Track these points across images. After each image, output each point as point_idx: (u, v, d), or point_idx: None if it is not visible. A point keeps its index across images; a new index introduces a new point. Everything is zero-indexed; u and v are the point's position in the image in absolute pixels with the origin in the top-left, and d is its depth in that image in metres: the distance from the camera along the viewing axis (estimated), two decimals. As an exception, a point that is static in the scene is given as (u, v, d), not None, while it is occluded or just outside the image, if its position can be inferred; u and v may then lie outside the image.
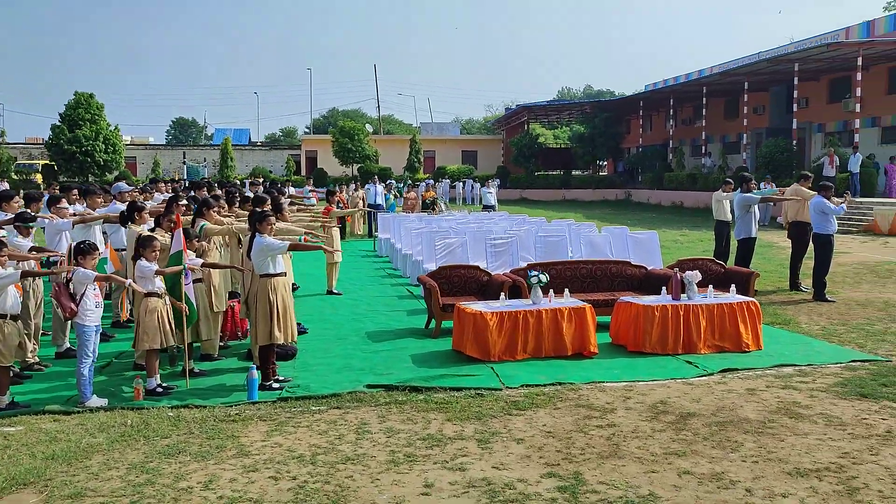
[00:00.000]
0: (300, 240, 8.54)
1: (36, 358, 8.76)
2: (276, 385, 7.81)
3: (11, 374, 8.19)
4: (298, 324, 10.65)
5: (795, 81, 32.21)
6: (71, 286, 7.26)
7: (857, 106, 29.82)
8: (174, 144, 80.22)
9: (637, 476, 5.45)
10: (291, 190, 25.28)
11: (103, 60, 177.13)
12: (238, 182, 26.90)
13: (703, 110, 40.78)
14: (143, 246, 7.69)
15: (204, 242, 8.81)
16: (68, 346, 9.34)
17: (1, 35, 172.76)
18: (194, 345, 8.83)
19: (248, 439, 6.35)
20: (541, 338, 8.90)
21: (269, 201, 9.66)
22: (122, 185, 11.41)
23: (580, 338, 8.99)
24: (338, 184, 29.69)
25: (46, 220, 9.01)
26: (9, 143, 62.59)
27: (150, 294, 7.64)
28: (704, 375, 8.13)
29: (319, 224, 10.71)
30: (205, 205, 9.08)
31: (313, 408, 7.18)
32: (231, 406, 7.25)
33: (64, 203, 9.55)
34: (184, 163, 56.42)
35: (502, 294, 9.36)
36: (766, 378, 8.01)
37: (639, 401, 7.28)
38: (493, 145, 63.87)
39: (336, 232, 14.06)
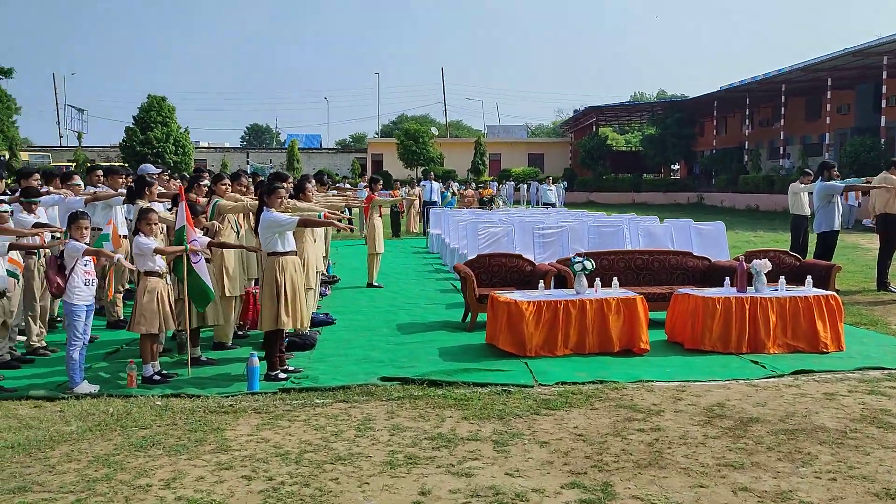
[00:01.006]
0: (320, 216, 7.74)
1: (42, 342, 8.24)
2: (282, 375, 7.05)
3: (10, 358, 7.70)
4: (325, 314, 10.01)
5: (884, 76, 30.09)
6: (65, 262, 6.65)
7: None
8: (245, 147, 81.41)
9: (681, 490, 4.44)
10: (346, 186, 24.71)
11: (181, 67, 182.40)
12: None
13: (783, 109, 38.76)
14: (139, 219, 7.04)
15: (216, 221, 8.14)
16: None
17: (90, 42, 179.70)
18: (203, 332, 8.14)
19: (233, 433, 5.58)
20: (584, 332, 7.91)
21: (288, 178, 8.94)
22: (149, 166, 10.88)
23: (629, 333, 7.95)
24: (396, 182, 29.03)
25: (58, 197, 8.50)
26: (87, 147, 64.43)
27: (149, 273, 6.98)
28: (773, 377, 7.00)
29: (344, 204, 9.96)
30: (217, 180, 8.41)
31: (317, 401, 6.38)
32: (228, 396, 6.51)
33: (76, 180, 9.04)
34: (247, 163, 56.91)
35: (541, 283, 8.39)
36: (849, 382, 6.83)
37: (692, 402, 6.22)
38: (561, 148, 62.56)
39: (378, 223, 13.32)
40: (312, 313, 9.74)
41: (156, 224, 7.06)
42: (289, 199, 8.69)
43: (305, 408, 6.19)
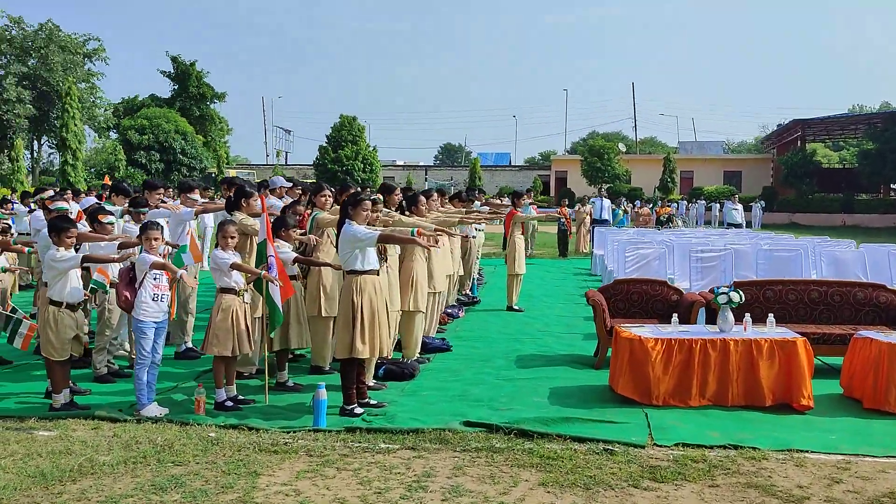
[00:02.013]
0: (413, 233, 6.86)
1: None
2: (359, 410, 6.24)
3: (107, 372, 7.52)
4: (443, 339, 9.14)
5: None
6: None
7: None
8: (438, 166, 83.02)
9: None
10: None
11: (379, 89, 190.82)
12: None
13: None
14: (217, 232, 6.55)
15: (313, 235, 7.53)
16: (189, 345, 8.56)
17: (297, 68, 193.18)
18: (295, 353, 7.55)
19: (268, 480, 4.82)
20: (726, 379, 6.44)
21: (394, 190, 8.16)
22: (280, 179, 10.58)
23: (786, 383, 6.39)
24: (564, 200, 27.75)
25: (165, 211, 8.30)
26: (291, 164, 68.47)
27: (224, 290, 6.46)
28: (982, 458, 5.22)
29: (458, 220, 9.04)
30: (317, 191, 7.80)
31: (382, 445, 5.49)
32: (289, 432, 5.79)
33: (196, 194, 8.84)
34: (425, 180, 57.74)
35: (674, 317, 6.99)
36: None
37: (854, 488, 4.68)
38: (761, 164, 57.89)
39: (519, 241, 12.29)
40: (429, 338, 8.94)
41: (233, 237, 6.52)
42: (393, 213, 7.96)
43: (365, 453, 5.32)
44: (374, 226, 6.85)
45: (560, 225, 22.81)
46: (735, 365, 6.42)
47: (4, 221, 9.50)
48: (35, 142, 46.74)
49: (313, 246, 7.51)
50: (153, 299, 6.18)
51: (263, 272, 6.37)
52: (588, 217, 23.82)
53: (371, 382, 7.11)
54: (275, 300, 6.55)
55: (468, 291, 13.44)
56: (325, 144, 52.13)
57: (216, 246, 6.66)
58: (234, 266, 6.38)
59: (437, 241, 6.92)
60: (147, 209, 8.04)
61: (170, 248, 7.63)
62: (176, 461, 5.13)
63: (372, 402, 6.49)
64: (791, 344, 6.41)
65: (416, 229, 6.90)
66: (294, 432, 5.78)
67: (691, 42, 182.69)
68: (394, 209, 8.09)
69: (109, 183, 13.77)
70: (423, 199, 8.53)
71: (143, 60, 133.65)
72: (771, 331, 6.69)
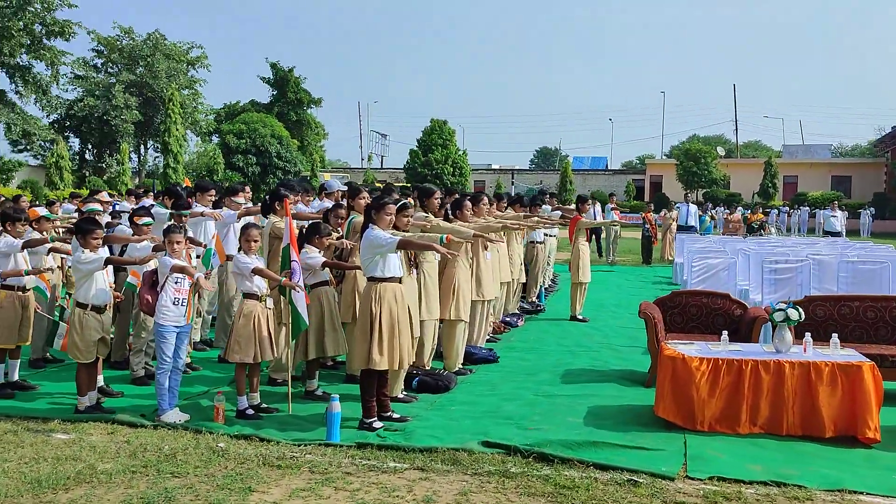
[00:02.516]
0: (441, 241, 6.49)
1: (188, 359, 7.99)
2: (378, 424, 5.96)
3: (143, 374, 7.52)
4: (490, 350, 8.77)
5: None
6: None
7: None
8: (533, 170, 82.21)
9: None
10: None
11: (476, 92, 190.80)
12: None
13: None
14: (240, 236, 6.41)
15: (347, 240, 7.31)
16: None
17: (394, 72, 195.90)
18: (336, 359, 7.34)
19: (260, 497, 4.60)
20: (781, 405, 5.82)
21: (434, 194, 7.83)
22: (334, 181, 10.47)
23: (850, 413, 5.71)
24: (649, 205, 26.76)
25: (207, 212, 8.26)
26: (387, 168, 69.26)
27: (247, 295, 6.32)
28: None
29: (501, 227, 8.58)
30: (354, 194, 7.58)
31: (391, 463, 5.19)
32: (300, 445, 5.57)
33: (240, 197, 8.79)
34: (512, 184, 57.15)
35: (724, 334, 6.39)
36: None
37: (907, 542, 4.05)
38: (873, 169, 54.53)
39: (584, 248, 11.75)
40: (475, 348, 8.58)
41: (256, 241, 6.37)
42: (431, 217, 7.65)
43: (370, 472, 5.03)
44: (405, 231, 6.56)
45: (644, 231, 21.97)
46: (791, 390, 5.79)
47: (69, 222, 9.70)
48: (142, 146, 48.94)
49: (348, 250, 7.30)
50: (174, 303, 6.08)
51: (284, 279, 6.18)
52: (674, 223, 22.85)
53: (400, 394, 6.84)
54: (298, 307, 6.35)
55: (534, 299, 13.00)
56: (415, 148, 52.43)
57: (239, 249, 6.53)
58: (255, 271, 6.22)
59: (465, 249, 6.51)
60: (187, 212, 8.03)
61: (199, 249, 7.58)
62: (175, 472, 4.98)
63: (395, 415, 6.20)
64: (856, 368, 5.73)
65: (445, 236, 6.57)
66: (305, 445, 5.55)
67: (800, 41, 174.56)
68: (433, 213, 7.78)
69: (190, 185, 14.02)
70: (468, 203, 8.19)
71: (245, 67, 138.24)
72: (835, 353, 6.01)
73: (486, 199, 8.94)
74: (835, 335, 6.17)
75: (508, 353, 8.93)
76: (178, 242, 6.17)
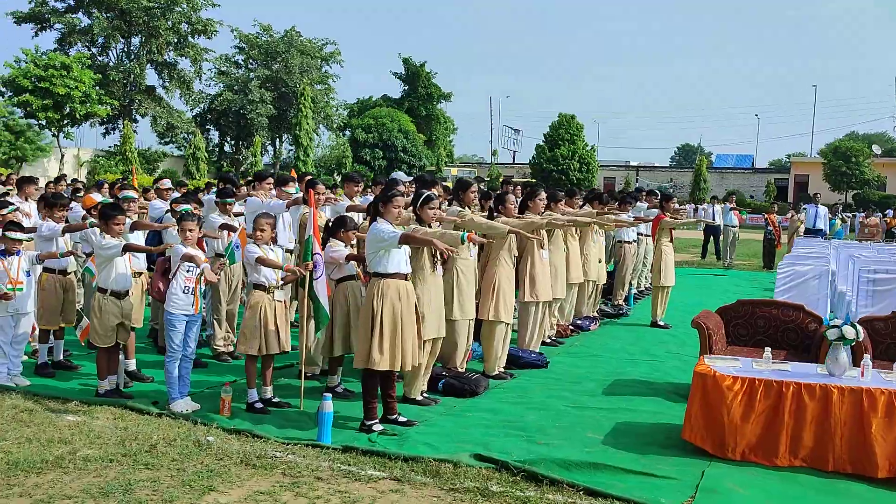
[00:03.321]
0: (463, 238, 6.04)
1: (229, 347, 8.01)
2: (378, 427, 5.65)
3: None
4: (539, 354, 8.25)
5: None
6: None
7: None
8: (673, 167, 79.18)
9: None
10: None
11: (620, 88, 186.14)
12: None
13: None
14: (252, 225, 6.27)
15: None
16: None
17: (527, 67, 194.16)
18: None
19: (215, 497, 4.42)
20: (827, 437, 5.03)
21: (471, 187, 7.37)
22: (401, 174, 10.24)
23: (910, 451, 4.85)
24: (789, 207, 24.88)
25: (258, 202, 8.21)
26: (512, 164, 68.84)
27: (255, 285, 6.17)
28: None
29: (545, 223, 7.94)
30: (465, 188, 7.23)
31: (370, 471, 4.87)
32: (288, 444, 5.35)
33: (290, 187, 8.69)
34: (636, 180, 55.05)
35: (766, 351, 5.60)
36: None
37: None
38: None
39: (668, 249, 10.90)
40: (523, 352, 8.10)
41: (264, 230, 6.19)
42: (466, 211, 7.23)
43: (343, 479, 4.74)
44: (428, 224, 6.21)
45: (767, 233, 20.43)
46: (839, 420, 4.99)
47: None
48: (277, 140, 50.91)
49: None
50: (184, 292, 6.03)
51: (286, 265, 6.00)
52: (802, 226, 21.11)
53: (420, 396, 6.50)
54: (319, 299, 6.15)
55: (620, 302, 12.23)
56: (541, 143, 51.65)
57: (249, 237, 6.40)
58: (259, 260, 6.06)
59: (456, 250, 6.01)
60: (232, 199, 8.02)
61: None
62: (150, 464, 4.88)
63: (401, 418, 5.87)
64: (920, 399, 4.86)
65: (467, 233, 6.14)
66: (293, 444, 5.33)
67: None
68: (468, 207, 7.36)
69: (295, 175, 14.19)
70: (511, 198, 7.72)
71: (379, 63, 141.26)
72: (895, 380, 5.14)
73: (542, 194, 8.39)
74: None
75: (563, 359, 8.38)
76: (190, 230, 6.11)
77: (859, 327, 5.30)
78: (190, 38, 44.05)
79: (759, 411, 5.17)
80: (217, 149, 48.40)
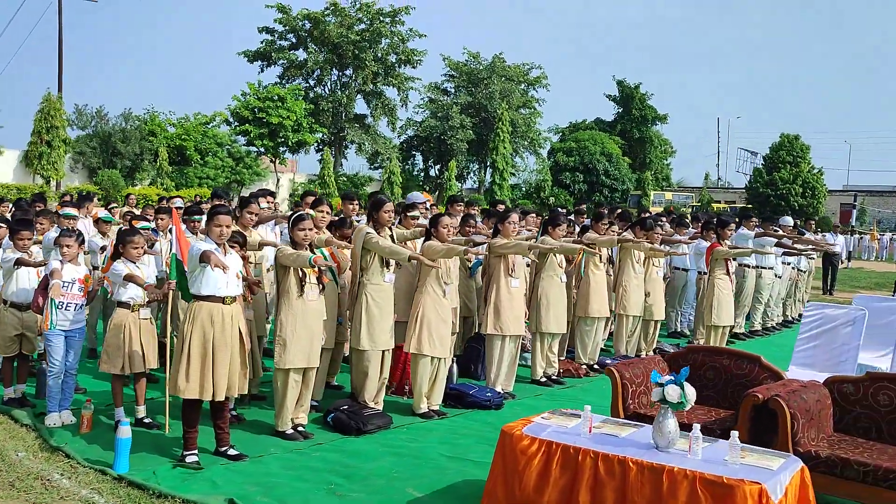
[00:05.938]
0: (310, 261, 5.45)
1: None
2: (190, 458, 5.30)
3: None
4: (500, 393, 7.42)
5: None
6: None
7: None
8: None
9: None
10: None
11: (832, 102, 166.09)
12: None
13: None
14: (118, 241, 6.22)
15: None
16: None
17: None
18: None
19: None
20: (624, 526, 3.87)
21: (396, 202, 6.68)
22: (418, 194, 9.78)
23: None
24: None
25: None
26: (721, 188, 64.21)
27: (119, 304, 6.09)
28: None
29: (513, 244, 6.91)
30: (378, 206, 6.74)
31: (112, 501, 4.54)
32: (88, 468, 5.16)
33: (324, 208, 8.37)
34: (853, 205, 48.34)
35: (586, 409, 4.44)
36: None
37: None
38: None
39: (723, 283, 9.32)
40: (477, 391, 7.25)
41: (138, 248, 6.10)
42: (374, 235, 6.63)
43: (77, 509, 4.47)
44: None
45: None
46: (632, 502, 3.83)
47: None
48: (477, 164, 51.66)
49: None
50: (58, 307, 6.10)
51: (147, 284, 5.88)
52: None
53: (290, 430, 6.02)
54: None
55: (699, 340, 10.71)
56: (759, 166, 47.54)
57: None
58: (127, 277, 5.97)
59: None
60: (200, 217, 8.07)
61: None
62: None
63: (231, 452, 5.46)
64: (728, 489, 3.56)
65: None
66: (85, 468, 5.14)
67: None
68: (386, 227, 6.77)
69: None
70: (514, 217, 7.19)
71: (591, 86, 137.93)
72: (734, 461, 3.82)
73: (513, 217, 7.51)
74: (734, 434, 3.90)
75: (533, 402, 7.40)
76: (68, 246, 6.18)
77: (689, 389, 4.02)
78: (397, 69, 46.19)
79: (555, 481, 4.12)
80: (422, 173, 50.06)
